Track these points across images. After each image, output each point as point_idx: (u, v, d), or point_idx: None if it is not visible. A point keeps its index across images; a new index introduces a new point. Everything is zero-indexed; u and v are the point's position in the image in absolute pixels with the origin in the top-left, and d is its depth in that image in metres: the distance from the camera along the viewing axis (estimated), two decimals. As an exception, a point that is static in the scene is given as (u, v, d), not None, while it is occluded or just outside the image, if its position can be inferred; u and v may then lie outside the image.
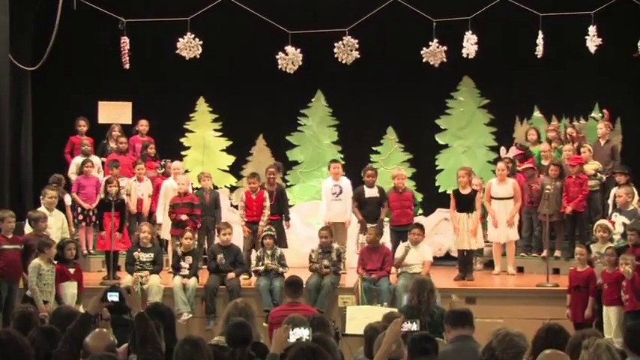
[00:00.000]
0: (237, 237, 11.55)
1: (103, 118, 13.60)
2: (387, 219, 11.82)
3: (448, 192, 12.39)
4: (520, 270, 12.20)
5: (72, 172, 12.61)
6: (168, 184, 12.29)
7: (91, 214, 12.00)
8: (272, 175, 11.95)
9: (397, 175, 11.79)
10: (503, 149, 13.14)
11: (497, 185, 11.83)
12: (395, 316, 5.83)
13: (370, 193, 11.64)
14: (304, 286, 9.16)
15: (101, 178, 12.32)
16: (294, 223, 12.52)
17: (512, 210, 11.71)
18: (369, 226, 11.33)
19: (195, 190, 12.74)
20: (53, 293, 9.42)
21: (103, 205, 11.38)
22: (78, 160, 12.61)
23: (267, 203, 11.59)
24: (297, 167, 15.03)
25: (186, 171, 13.76)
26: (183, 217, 11.40)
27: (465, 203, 11.36)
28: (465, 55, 12.15)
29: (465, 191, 11.41)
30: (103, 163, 12.79)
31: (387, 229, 11.82)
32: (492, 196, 11.81)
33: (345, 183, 11.98)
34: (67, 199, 11.87)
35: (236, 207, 13.72)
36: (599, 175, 11.97)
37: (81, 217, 12.08)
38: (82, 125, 13.10)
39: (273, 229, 11.12)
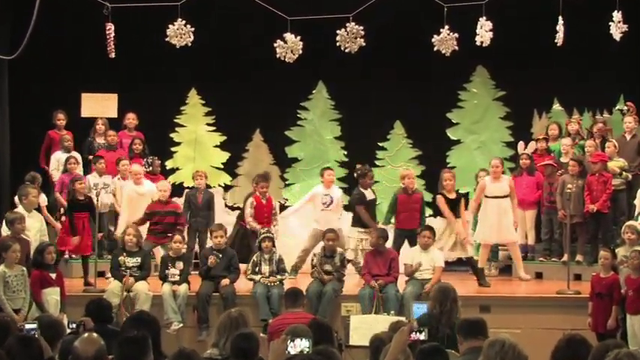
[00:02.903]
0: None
1: (86, 112, 13.58)
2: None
3: (461, 191, 12.39)
4: (539, 276, 12.22)
5: (53, 169, 12.58)
6: (131, 189, 12.13)
7: (62, 216, 12.00)
8: (264, 189, 12.03)
9: (407, 174, 11.97)
10: (521, 144, 13.14)
11: (492, 183, 11.89)
12: (401, 326, 5.80)
13: (370, 195, 11.97)
14: (304, 294, 9.16)
15: (86, 176, 12.31)
16: (294, 226, 12.52)
17: (513, 211, 11.87)
18: (355, 230, 11.59)
19: (188, 190, 12.75)
20: (28, 299, 9.31)
21: (71, 205, 11.40)
22: (59, 156, 12.59)
23: (277, 210, 11.80)
24: (297, 165, 15.01)
25: (176, 168, 13.77)
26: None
27: (450, 208, 11.60)
28: (478, 43, 12.10)
29: (451, 195, 11.66)
30: (89, 161, 12.77)
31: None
32: (487, 195, 11.86)
33: (337, 193, 12.22)
34: (42, 199, 11.77)
35: (231, 208, 13.73)
36: (624, 173, 11.95)
37: (63, 218, 12.07)
38: (61, 119, 13.05)
39: (272, 232, 11.14)
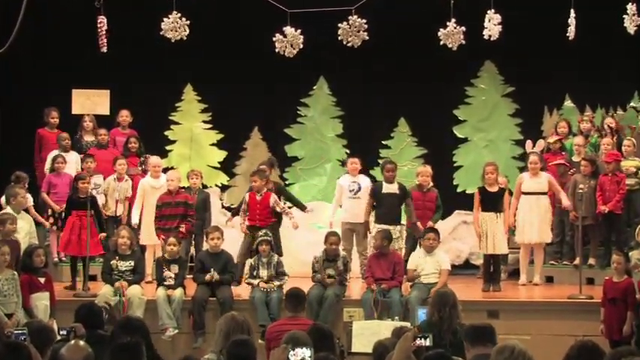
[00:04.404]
0: (233, 242, 11.58)
1: (77, 109, 13.55)
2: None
3: (468, 192, 12.38)
4: (549, 280, 12.19)
5: (47, 169, 12.55)
6: (146, 182, 12.23)
7: (63, 216, 11.99)
8: (265, 173, 11.95)
9: (422, 172, 11.98)
10: (529, 143, 13.12)
11: (530, 179, 11.84)
12: (405, 331, 5.81)
13: (389, 189, 11.63)
14: (306, 297, 9.15)
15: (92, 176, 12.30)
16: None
17: (563, 201, 11.69)
18: (377, 227, 11.35)
19: (182, 190, 12.74)
20: (19, 303, 9.27)
21: (71, 203, 11.38)
22: (55, 154, 12.57)
23: (279, 203, 11.66)
24: (297, 164, 15.03)
25: (171, 167, 13.73)
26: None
27: (492, 202, 11.41)
28: (486, 37, 12.09)
29: (493, 189, 11.46)
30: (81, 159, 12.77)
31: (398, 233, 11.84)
32: (524, 192, 11.79)
33: (365, 181, 12.04)
34: (29, 199, 11.68)
35: (228, 208, 13.70)
36: (640, 174, 11.97)
37: (52, 220, 12.07)
38: (54, 117, 13.00)
39: (270, 234, 11.11)
